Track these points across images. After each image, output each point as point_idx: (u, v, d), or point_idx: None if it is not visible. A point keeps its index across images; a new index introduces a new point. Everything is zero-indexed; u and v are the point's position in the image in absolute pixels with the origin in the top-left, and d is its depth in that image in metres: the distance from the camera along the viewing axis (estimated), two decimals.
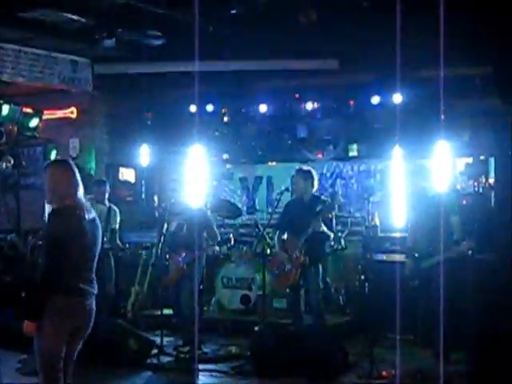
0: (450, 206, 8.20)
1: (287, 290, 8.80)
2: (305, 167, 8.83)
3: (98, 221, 5.20)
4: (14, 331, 7.43)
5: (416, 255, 8.24)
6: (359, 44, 9.65)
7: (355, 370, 7.58)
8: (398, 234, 9.92)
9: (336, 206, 8.58)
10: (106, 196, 9.81)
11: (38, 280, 4.81)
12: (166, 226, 8.87)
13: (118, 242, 9.78)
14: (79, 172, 5.20)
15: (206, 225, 8.81)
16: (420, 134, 10.24)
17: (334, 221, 8.50)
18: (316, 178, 8.63)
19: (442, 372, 7.50)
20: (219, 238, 8.97)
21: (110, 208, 9.75)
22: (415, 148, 10.40)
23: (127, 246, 10.03)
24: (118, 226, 9.86)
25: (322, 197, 8.80)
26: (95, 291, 5.13)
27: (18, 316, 5.10)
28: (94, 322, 5.13)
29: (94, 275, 5.14)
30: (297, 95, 11.05)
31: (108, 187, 9.91)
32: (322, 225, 8.19)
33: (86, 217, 5.03)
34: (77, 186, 5.08)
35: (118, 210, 9.94)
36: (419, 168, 8.82)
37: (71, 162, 5.29)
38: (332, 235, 8.58)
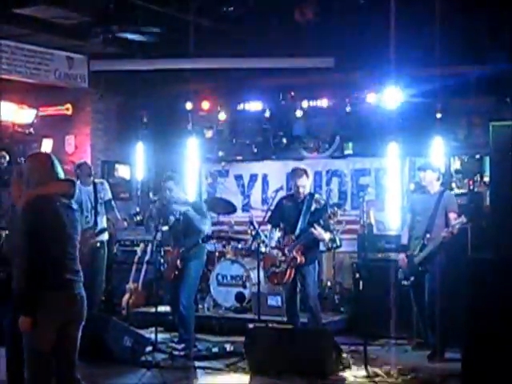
0: (448, 202, 8.24)
1: (282, 288, 8.81)
2: (301, 166, 8.79)
3: (75, 206, 5.02)
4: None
5: (409, 253, 8.28)
6: (355, 42, 9.65)
7: (349, 369, 7.57)
8: (393, 232, 9.92)
9: (337, 211, 8.48)
10: (91, 178, 9.35)
11: (23, 277, 4.71)
12: (161, 222, 8.82)
13: (117, 213, 9.47)
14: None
15: (197, 223, 8.67)
16: (415, 132, 10.25)
17: (332, 221, 8.45)
18: (311, 176, 8.60)
19: (437, 370, 7.54)
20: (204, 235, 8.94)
21: (94, 184, 9.38)
22: (411, 146, 10.41)
23: (126, 222, 9.86)
24: (111, 196, 9.49)
25: (316, 195, 8.77)
26: (82, 279, 4.99)
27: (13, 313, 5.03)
28: (86, 319, 5.04)
29: (78, 264, 4.98)
30: (292, 93, 11.03)
31: (90, 169, 9.44)
32: (321, 231, 8.15)
33: (62, 202, 4.88)
34: (55, 176, 4.94)
35: (105, 182, 9.68)
36: (423, 164, 8.84)
37: (50, 154, 5.12)
38: (329, 236, 8.52)
